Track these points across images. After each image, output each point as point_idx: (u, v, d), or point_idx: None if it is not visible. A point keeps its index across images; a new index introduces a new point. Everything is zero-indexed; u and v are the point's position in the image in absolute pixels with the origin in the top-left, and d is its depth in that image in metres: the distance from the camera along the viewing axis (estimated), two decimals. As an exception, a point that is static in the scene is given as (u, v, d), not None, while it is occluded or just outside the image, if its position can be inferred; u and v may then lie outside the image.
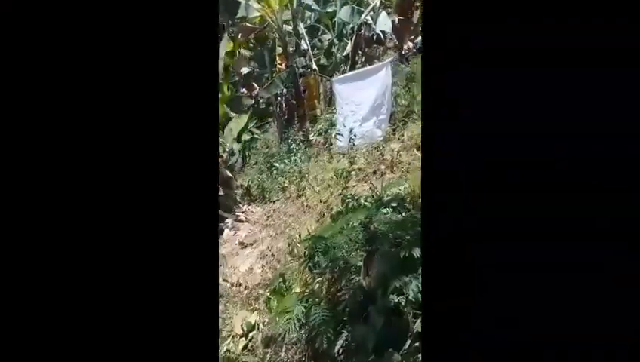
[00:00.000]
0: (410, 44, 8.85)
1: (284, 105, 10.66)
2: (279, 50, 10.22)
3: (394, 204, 3.96)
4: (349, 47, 11.81)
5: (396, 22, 9.13)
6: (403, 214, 3.69)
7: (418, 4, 8.81)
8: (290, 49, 10.33)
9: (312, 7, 11.55)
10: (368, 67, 8.77)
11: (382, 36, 10.30)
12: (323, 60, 11.85)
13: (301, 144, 7.67)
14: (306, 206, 6.02)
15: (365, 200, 4.36)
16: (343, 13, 10.95)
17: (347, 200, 4.64)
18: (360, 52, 11.92)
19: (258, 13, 8.70)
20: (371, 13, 10.35)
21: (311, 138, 8.67)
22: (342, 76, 8.95)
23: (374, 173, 6.21)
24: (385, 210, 3.90)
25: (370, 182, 5.27)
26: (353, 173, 6.27)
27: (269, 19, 9.00)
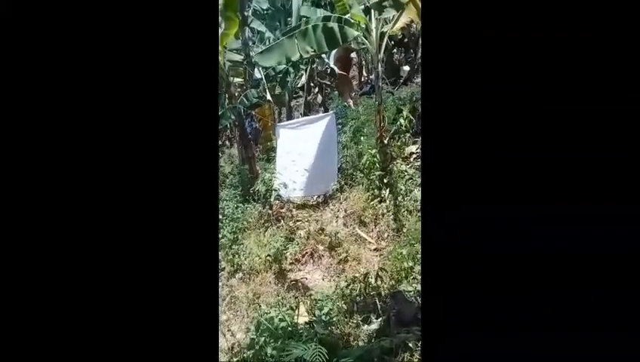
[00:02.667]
0: (351, 101, 8.05)
1: (237, 135, 9.90)
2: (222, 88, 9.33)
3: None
4: (303, 79, 11.09)
5: (336, 75, 8.29)
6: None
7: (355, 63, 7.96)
8: (237, 81, 9.48)
9: (266, 34, 10.73)
10: (311, 116, 8.01)
11: (335, 70, 9.52)
12: (278, 89, 11.08)
13: (240, 206, 6.79)
14: (233, 297, 5.22)
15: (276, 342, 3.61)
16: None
17: (261, 324, 3.91)
18: (312, 84, 11.18)
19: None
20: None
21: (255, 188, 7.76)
22: (286, 122, 8.18)
23: (311, 254, 5.46)
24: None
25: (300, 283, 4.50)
26: (289, 255, 5.49)
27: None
